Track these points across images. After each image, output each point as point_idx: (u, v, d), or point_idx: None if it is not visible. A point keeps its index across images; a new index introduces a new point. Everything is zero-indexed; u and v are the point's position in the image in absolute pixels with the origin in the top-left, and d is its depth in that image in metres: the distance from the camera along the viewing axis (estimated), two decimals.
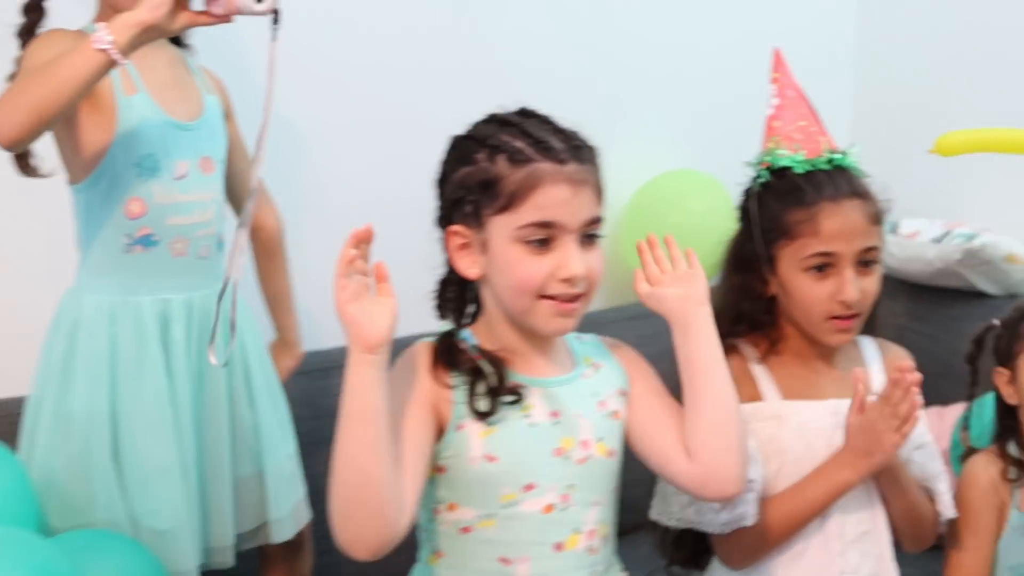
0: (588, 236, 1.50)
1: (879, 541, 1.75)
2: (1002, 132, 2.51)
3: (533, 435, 1.51)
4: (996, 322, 1.85)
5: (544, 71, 2.67)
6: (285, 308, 2.10)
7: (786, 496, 1.70)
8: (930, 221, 2.85)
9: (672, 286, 1.58)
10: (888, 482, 1.73)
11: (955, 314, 2.77)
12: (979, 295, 2.76)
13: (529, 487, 1.50)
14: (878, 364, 1.82)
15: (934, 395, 2.67)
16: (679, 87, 2.94)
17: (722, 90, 2.93)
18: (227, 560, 1.92)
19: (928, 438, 1.80)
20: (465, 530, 1.51)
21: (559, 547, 1.52)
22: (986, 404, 1.92)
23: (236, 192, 1.98)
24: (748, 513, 1.68)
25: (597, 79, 2.79)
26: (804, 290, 1.70)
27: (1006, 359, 1.83)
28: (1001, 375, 1.84)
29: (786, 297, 1.73)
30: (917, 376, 1.63)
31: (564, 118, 1.55)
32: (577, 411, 1.55)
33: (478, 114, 1.55)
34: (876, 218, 1.71)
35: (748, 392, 1.73)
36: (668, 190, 2.76)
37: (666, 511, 1.72)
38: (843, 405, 1.70)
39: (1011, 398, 1.83)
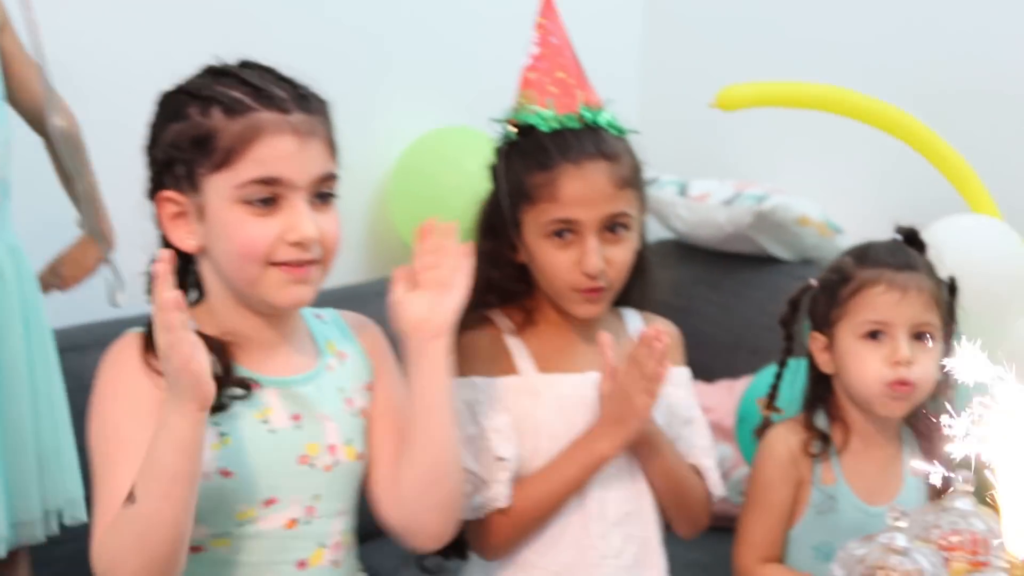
0: (321, 195, 1.46)
1: (645, 523, 1.78)
2: (785, 86, 2.60)
3: (274, 443, 1.47)
4: (813, 282, 1.87)
5: (304, 20, 2.61)
6: (95, 202, 2.08)
7: (541, 475, 1.71)
8: (721, 182, 2.90)
9: (419, 299, 1.51)
10: (648, 456, 1.75)
11: (747, 281, 2.84)
12: (772, 260, 2.83)
13: (270, 502, 1.47)
14: None
15: (724, 368, 2.77)
16: (452, 35, 2.91)
17: (499, 39, 2.93)
18: (36, 535, 1.86)
19: (697, 413, 1.83)
20: (195, 550, 1.44)
21: (302, 565, 1.49)
22: (800, 371, 1.92)
23: (26, 104, 1.96)
24: (500, 494, 1.69)
25: (363, 27, 2.74)
26: (546, 258, 1.71)
27: (823, 324, 1.84)
28: (816, 340, 1.84)
29: (533, 264, 1.74)
30: (663, 331, 1.66)
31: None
32: (322, 412, 1.51)
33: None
34: (626, 181, 1.72)
35: (503, 366, 1.74)
36: (440, 148, 2.73)
37: None
38: None
39: (826, 366, 1.84)
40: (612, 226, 1.71)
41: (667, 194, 2.93)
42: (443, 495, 1.54)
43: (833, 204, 2.87)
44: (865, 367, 1.78)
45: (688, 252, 2.97)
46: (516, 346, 1.76)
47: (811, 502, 1.83)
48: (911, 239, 1.86)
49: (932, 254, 1.85)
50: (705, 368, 2.80)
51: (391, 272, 2.69)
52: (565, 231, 1.69)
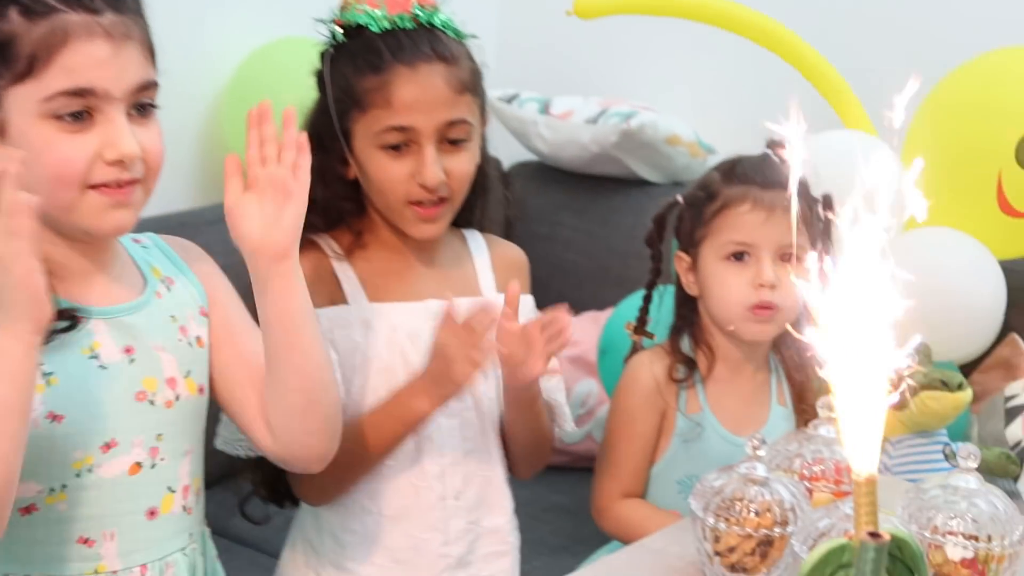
0: (140, 107, 1.41)
1: (488, 462, 1.78)
2: None
3: (106, 380, 1.42)
4: (680, 199, 1.89)
5: None
6: None
7: (358, 424, 1.69)
8: (585, 99, 2.91)
9: (254, 210, 1.45)
10: (524, 412, 1.76)
11: (614, 205, 2.87)
12: (640, 183, 2.87)
13: (108, 445, 1.43)
14: (485, 260, 1.83)
15: (590, 298, 2.80)
16: None
17: None
18: None
19: None
20: (27, 510, 1.40)
21: (153, 513, 1.47)
22: (669, 296, 1.96)
23: None
24: None
25: None
26: (380, 170, 1.69)
27: (688, 244, 1.86)
28: (682, 261, 1.87)
29: (364, 179, 1.72)
30: (515, 291, 1.64)
31: None
32: (156, 342, 1.47)
33: None
34: (464, 86, 1.70)
35: (329, 295, 1.72)
36: (279, 62, 2.69)
37: (232, 439, 1.67)
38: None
39: (691, 287, 1.87)
40: (452, 136, 1.70)
41: (528, 112, 2.93)
42: (321, 416, 1.52)
43: (705, 122, 2.91)
44: (727, 289, 1.81)
45: (551, 175, 2.99)
46: (344, 272, 1.74)
47: (676, 431, 1.86)
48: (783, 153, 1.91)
49: (808, 170, 1.91)
50: (569, 299, 2.79)
51: (220, 199, 2.74)
52: (402, 141, 1.68)
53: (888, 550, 1.00)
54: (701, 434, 1.87)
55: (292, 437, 1.53)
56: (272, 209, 1.46)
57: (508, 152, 2.99)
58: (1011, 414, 2.36)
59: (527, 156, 3.06)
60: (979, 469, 1.50)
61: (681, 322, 1.92)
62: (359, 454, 1.70)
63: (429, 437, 1.74)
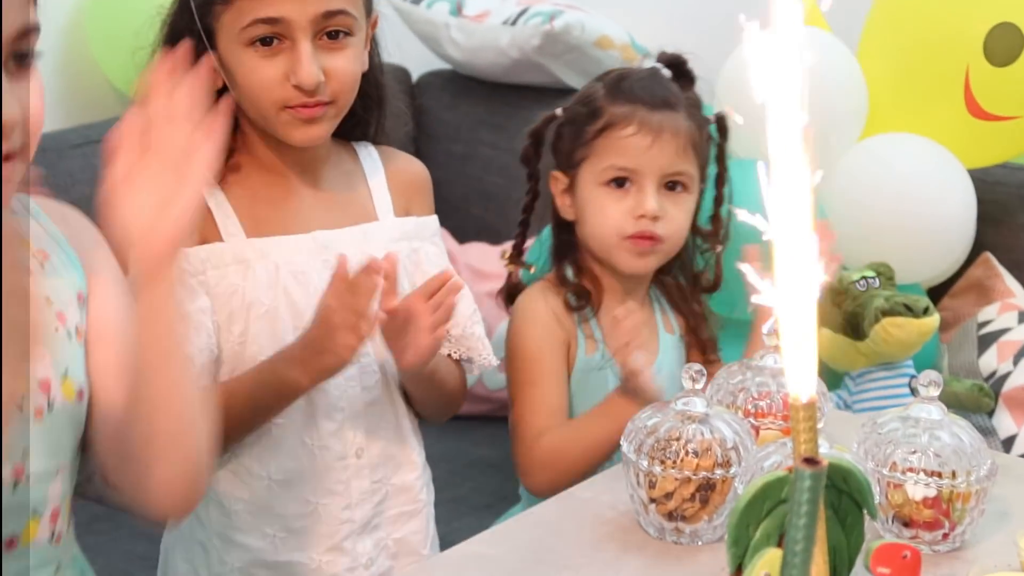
0: (20, 56, 1.26)
1: (394, 414, 1.79)
2: None
3: None
4: (559, 112, 1.92)
5: None
6: None
7: (228, 387, 1.65)
8: None
9: (148, 191, 1.29)
10: (420, 385, 1.77)
11: (538, 119, 2.96)
12: (568, 92, 2.85)
13: None
14: (380, 178, 1.81)
15: (513, 226, 2.82)
16: None
17: None
18: None
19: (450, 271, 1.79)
20: None
21: (11, 544, 1.38)
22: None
23: None
24: None
25: None
26: (249, 72, 1.65)
27: (566, 164, 1.89)
28: (558, 182, 1.90)
29: (232, 85, 1.68)
30: (389, 263, 1.61)
31: None
32: None
33: None
34: None
35: (201, 230, 1.65)
36: None
37: None
38: (335, 238, 1.71)
39: (566, 211, 1.90)
40: (332, 29, 1.67)
41: (438, 13, 2.93)
42: (182, 456, 1.41)
43: (638, 22, 2.92)
44: (604, 217, 1.85)
45: (466, 85, 3.01)
46: (216, 202, 1.70)
47: (578, 364, 1.90)
48: (675, 69, 1.92)
49: (702, 87, 1.92)
50: (490, 227, 2.85)
51: (98, 116, 2.71)
52: (271, 36, 1.64)
53: (833, 482, 1.02)
54: (603, 366, 1.90)
55: (145, 475, 1.42)
56: (165, 193, 1.30)
57: (416, 60, 2.99)
58: (985, 342, 2.40)
59: (438, 64, 3.06)
60: (950, 404, 1.52)
61: (561, 250, 1.95)
62: (232, 415, 1.62)
63: (323, 389, 1.71)
